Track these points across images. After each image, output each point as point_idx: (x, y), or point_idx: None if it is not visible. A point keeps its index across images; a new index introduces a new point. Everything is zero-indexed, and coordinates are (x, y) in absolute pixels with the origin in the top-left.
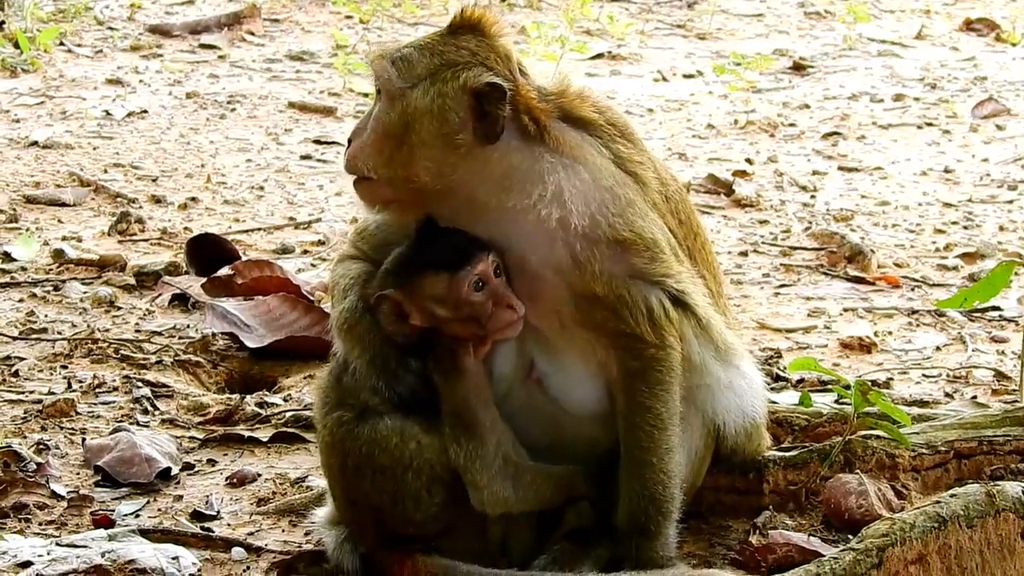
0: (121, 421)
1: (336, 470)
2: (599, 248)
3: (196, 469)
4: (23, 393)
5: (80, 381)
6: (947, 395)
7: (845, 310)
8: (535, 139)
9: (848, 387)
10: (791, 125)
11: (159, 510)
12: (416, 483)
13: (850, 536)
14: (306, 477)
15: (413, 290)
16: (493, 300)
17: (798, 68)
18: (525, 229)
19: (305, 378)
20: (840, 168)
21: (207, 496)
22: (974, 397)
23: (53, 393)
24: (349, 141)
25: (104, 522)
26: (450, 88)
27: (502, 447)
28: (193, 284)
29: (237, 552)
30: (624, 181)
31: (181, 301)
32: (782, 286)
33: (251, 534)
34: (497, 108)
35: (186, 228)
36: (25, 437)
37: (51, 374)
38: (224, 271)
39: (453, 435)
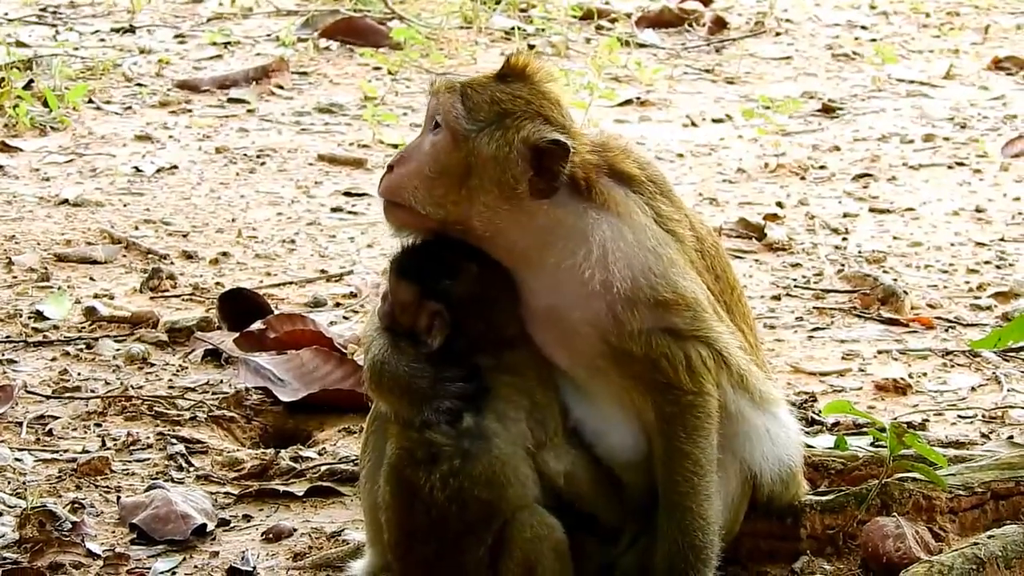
0: (156, 478)
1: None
2: (639, 309)
3: (232, 525)
4: (57, 452)
5: (114, 439)
6: (983, 436)
7: (879, 352)
8: (583, 195)
9: (883, 430)
10: (821, 167)
11: (195, 567)
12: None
13: None
14: (342, 531)
15: None
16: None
17: (827, 110)
18: (567, 287)
19: (339, 431)
20: (871, 210)
21: (243, 552)
22: (1010, 437)
23: (87, 451)
24: (391, 167)
25: None
26: (515, 139)
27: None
28: (225, 339)
29: None
30: (666, 240)
31: (214, 356)
32: (815, 329)
33: None
34: (558, 166)
35: (218, 283)
36: (60, 496)
37: (85, 432)
38: (256, 325)
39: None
